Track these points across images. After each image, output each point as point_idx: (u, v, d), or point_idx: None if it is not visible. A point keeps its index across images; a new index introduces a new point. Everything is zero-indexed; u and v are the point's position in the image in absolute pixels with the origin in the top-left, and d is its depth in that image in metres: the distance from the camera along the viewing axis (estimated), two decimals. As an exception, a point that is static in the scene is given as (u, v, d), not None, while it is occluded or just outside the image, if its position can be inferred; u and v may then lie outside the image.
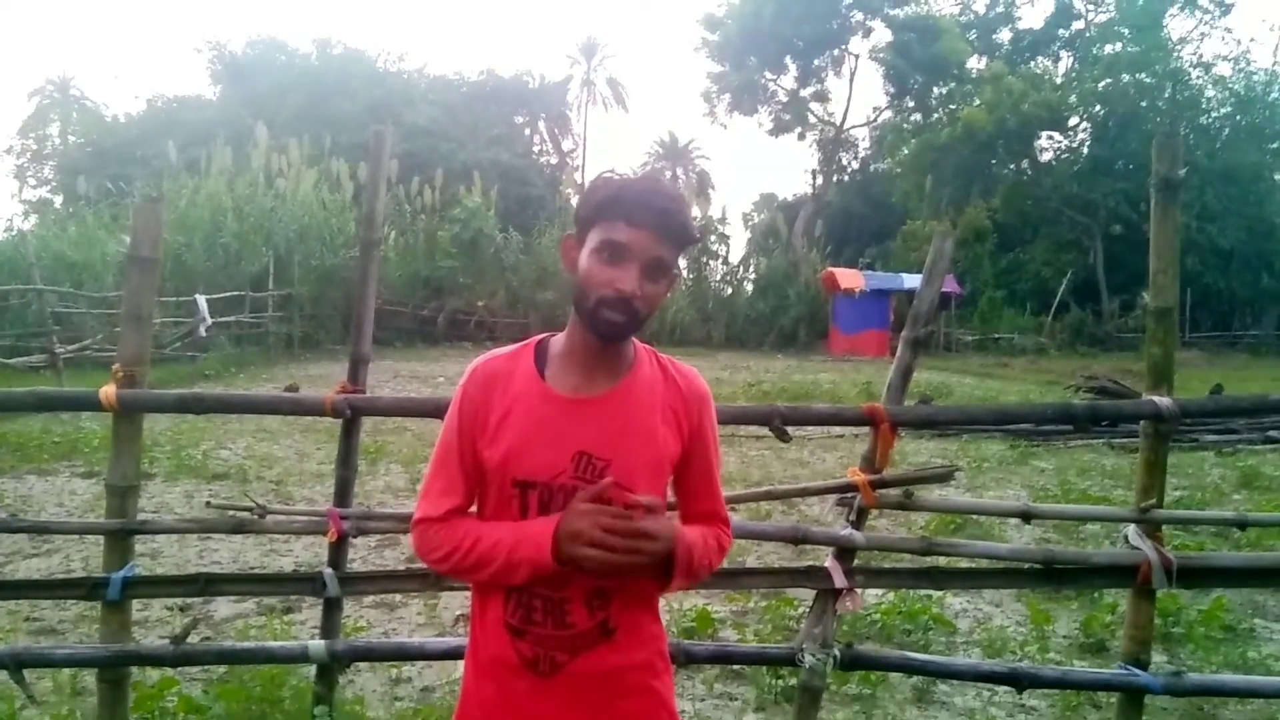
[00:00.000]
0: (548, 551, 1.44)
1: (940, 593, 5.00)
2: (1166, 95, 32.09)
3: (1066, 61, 38.30)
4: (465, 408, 1.57)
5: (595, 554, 1.41)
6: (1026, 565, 3.20)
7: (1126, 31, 33.57)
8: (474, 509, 1.63)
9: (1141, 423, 2.94)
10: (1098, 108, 32.78)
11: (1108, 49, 34.21)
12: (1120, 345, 26.79)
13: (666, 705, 1.61)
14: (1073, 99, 32.56)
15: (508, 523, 1.52)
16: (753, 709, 3.77)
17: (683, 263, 1.59)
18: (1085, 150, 34.75)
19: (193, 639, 3.18)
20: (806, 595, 4.84)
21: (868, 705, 3.80)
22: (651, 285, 1.47)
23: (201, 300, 17.57)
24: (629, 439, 1.54)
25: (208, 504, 3.28)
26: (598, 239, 1.47)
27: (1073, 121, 34.16)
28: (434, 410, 2.92)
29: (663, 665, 1.63)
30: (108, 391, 2.86)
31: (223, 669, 3.78)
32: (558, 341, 1.60)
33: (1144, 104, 31.90)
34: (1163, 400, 2.84)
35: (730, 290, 30.46)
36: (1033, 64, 37.35)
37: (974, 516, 6.48)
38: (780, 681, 3.86)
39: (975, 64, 37.94)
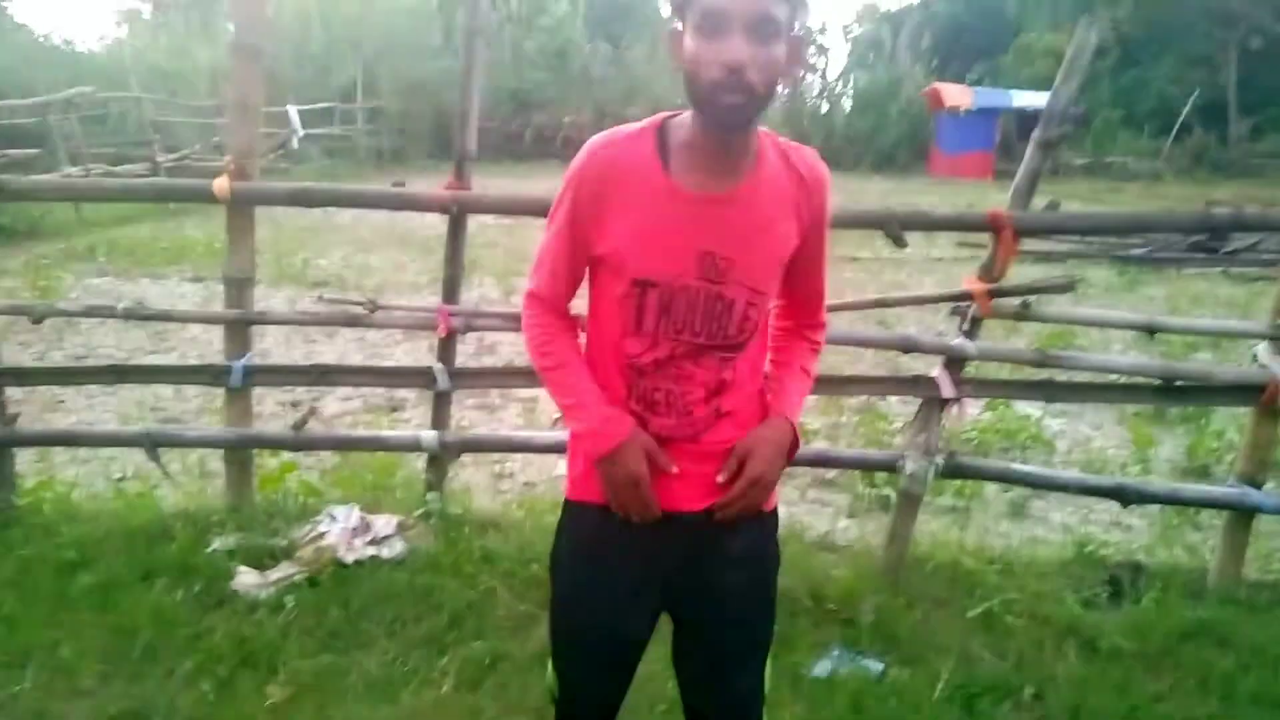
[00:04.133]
0: (597, 453, 1.51)
1: (1039, 414, 4.93)
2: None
3: None
4: (581, 194, 1.47)
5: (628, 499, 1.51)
6: (1143, 381, 3.09)
7: None
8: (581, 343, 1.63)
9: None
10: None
11: None
12: (1245, 171, 24.83)
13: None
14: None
15: (588, 384, 1.54)
16: (845, 515, 3.83)
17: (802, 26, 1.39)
18: (1230, -48, 31.45)
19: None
20: (901, 410, 4.84)
21: (962, 518, 3.82)
22: (764, 50, 1.31)
23: (293, 111, 17.60)
24: (754, 238, 1.46)
25: (320, 298, 3.35)
26: (695, 15, 1.33)
27: (1218, -82, 30.80)
28: (540, 209, 2.87)
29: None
30: (220, 184, 2.88)
31: (335, 460, 3.98)
32: (680, 125, 1.47)
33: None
34: (1319, 210, 2.63)
35: (827, 107, 29.15)
36: None
37: (1076, 340, 6.31)
38: (874, 490, 3.90)
39: None
